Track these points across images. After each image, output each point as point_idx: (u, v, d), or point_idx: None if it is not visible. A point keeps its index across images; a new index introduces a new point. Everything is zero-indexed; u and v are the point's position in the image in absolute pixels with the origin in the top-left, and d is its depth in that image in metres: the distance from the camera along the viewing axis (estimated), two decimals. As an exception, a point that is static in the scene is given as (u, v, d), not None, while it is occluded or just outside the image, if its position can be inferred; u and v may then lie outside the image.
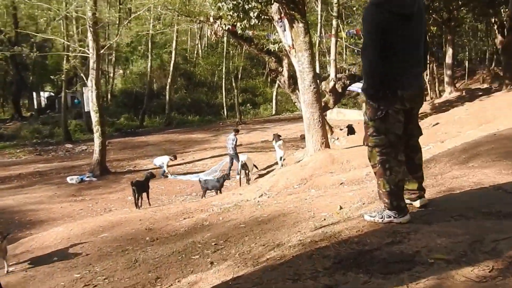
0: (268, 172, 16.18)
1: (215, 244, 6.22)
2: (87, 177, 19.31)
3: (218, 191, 14.05)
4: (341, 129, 21.23)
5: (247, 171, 15.12)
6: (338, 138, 19.30)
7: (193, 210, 9.77)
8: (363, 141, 4.25)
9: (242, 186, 14.01)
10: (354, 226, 3.98)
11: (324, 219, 5.94)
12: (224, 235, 6.58)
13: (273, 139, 16.39)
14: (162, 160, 19.69)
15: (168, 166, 19.74)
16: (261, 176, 16.15)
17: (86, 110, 25.64)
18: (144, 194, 12.39)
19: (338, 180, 9.70)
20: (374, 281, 2.85)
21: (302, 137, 24.15)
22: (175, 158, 20.32)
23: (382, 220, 4.03)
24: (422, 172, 4.30)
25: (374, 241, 3.45)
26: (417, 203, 4.28)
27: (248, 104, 46.24)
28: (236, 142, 18.14)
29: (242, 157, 15.82)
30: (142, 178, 12.78)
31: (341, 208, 6.34)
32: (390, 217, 3.94)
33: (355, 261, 3.15)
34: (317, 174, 11.26)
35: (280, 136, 16.37)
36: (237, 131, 18.60)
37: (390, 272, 2.90)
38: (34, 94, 43.69)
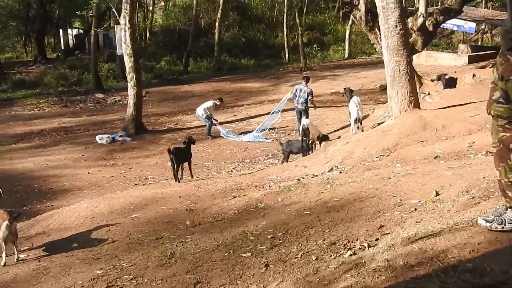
0: (339, 136, 15.65)
1: (271, 238, 6.00)
2: (120, 136, 19.49)
3: (307, 153, 13.99)
4: (432, 80, 20.17)
5: (308, 140, 14.51)
6: (429, 93, 18.27)
7: (245, 185, 9.66)
8: (486, 107, 3.64)
9: (308, 156, 13.57)
10: (464, 241, 3.52)
11: (415, 209, 5.72)
12: (283, 225, 6.37)
13: (343, 94, 15.62)
14: (205, 107, 19.61)
15: (214, 118, 19.74)
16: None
17: (118, 54, 25.61)
18: (185, 164, 12.17)
19: (431, 152, 9.42)
20: None
21: (383, 88, 23.41)
22: (222, 101, 20.28)
23: (503, 228, 3.57)
24: None
25: (497, 270, 2.94)
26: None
27: (315, 45, 45.36)
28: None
29: (304, 121, 15.27)
30: (185, 143, 12.54)
31: (437, 194, 6.07)
32: (515, 222, 3.52)
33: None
34: (403, 143, 10.88)
35: (353, 91, 15.57)
36: (308, 80, 18.13)
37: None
38: (61, 31, 44.33)
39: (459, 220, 4.24)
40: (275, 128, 19.24)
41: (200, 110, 19.62)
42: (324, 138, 14.64)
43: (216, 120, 19.79)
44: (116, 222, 8.20)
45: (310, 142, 14.35)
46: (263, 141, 18.37)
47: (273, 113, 19.56)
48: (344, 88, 16.26)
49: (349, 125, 15.88)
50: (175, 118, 23.41)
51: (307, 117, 16.90)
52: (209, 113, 19.35)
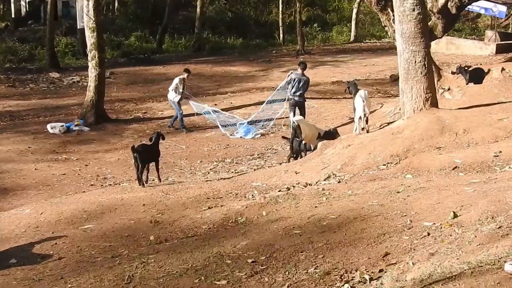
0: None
1: (252, 262, 5.99)
2: (76, 125, 19.20)
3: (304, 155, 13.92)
4: (453, 73, 20.00)
5: (300, 141, 14.24)
6: (449, 89, 18.08)
7: (224, 193, 9.62)
8: None
9: (300, 160, 13.46)
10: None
11: (428, 234, 5.77)
12: (267, 246, 6.38)
13: (346, 89, 15.36)
14: (172, 88, 19.36)
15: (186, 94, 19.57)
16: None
17: (79, 27, 25.43)
18: (153, 165, 12.05)
19: (449, 161, 9.37)
20: None
21: (394, 79, 23.32)
22: (188, 72, 19.97)
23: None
24: None
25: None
26: None
27: (316, 25, 45.41)
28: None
29: (294, 117, 15.01)
30: (151, 139, 12.39)
31: (455, 216, 6.09)
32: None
33: None
34: (416, 149, 10.79)
35: (357, 85, 15.36)
36: (305, 67, 17.96)
37: None
38: (11, -3, 44.03)
39: (484, 258, 4.14)
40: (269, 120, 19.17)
41: (171, 94, 19.47)
42: (329, 135, 14.35)
43: (189, 96, 19.65)
44: (65, 234, 8.03)
45: (304, 143, 14.14)
46: (254, 137, 18.36)
47: (268, 103, 19.39)
48: (348, 82, 15.85)
49: (352, 122, 15.71)
50: (144, 105, 23.20)
51: (301, 114, 16.70)
52: (176, 95, 19.07)
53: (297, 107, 17.40)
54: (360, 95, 13.71)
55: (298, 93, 17.31)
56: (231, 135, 18.51)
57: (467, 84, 18.16)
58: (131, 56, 35.43)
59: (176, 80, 19.37)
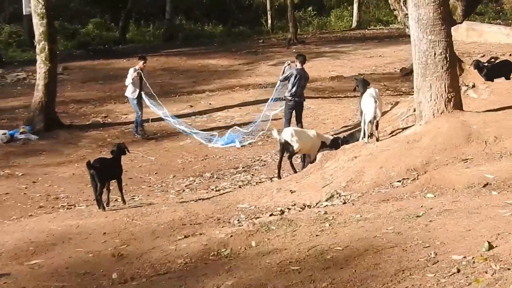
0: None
1: None
2: (21, 133, 19.02)
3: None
4: (479, 65, 19.84)
5: (292, 156, 14.12)
6: (473, 86, 17.88)
7: (203, 218, 9.70)
8: None
9: (296, 175, 13.30)
10: None
11: (458, 271, 5.51)
12: (258, 287, 6.27)
13: (356, 87, 15.23)
14: (129, 82, 19.12)
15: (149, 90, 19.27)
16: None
17: (25, 12, 25.21)
18: (115, 183, 11.99)
19: (479, 177, 9.22)
20: None
21: (405, 73, 23.29)
22: (144, 60, 19.67)
23: None
24: None
25: None
26: None
27: (310, 8, 45.58)
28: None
29: (281, 133, 14.51)
30: (113, 152, 12.27)
31: (490, 247, 5.89)
32: None
33: None
34: (438, 162, 10.66)
35: (369, 82, 15.18)
36: (304, 60, 17.63)
37: None
38: None
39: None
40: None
41: (129, 90, 19.25)
42: (336, 144, 14.14)
43: (151, 95, 19.29)
44: (7, 272, 7.96)
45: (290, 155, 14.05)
46: (240, 145, 18.21)
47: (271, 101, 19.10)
48: (356, 79, 15.79)
49: (357, 127, 15.56)
50: (105, 107, 22.97)
51: (298, 117, 16.71)
52: (134, 91, 18.86)
53: (296, 110, 17.18)
54: (370, 94, 13.56)
55: (298, 92, 17.05)
56: (210, 141, 18.35)
57: (486, 80, 17.93)
58: (89, 47, 35.22)
59: (131, 72, 19.10)
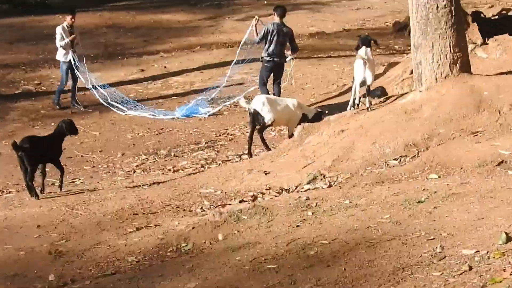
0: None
1: None
2: None
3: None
4: (479, 18, 19.28)
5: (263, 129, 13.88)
6: (481, 44, 17.60)
7: (159, 206, 9.72)
8: None
9: (270, 153, 12.99)
10: None
11: (470, 269, 5.31)
12: None
13: (357, 45, 14.78)
14: (59, 43, 18.54)
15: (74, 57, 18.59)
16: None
17: None
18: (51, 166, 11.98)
19: (492, 153, 8.96)
20: None
21: (399, 28, 23.30)
22: (73, 14, 19.08)
23: None
24: None
25: None
26: None
27: None
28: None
29: (251, 101, 14.23)
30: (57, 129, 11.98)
31: (508, 239, 5.68)
32: None
33: None
34: (442, 136, 10.34)
35: (375, 40, 14.77)
36: (284, 13, 17.03)
37: None
38: None
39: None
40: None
41: (60, 53, 18.64)
42: (318, 118, 13.59)
43: (78, 64, 18.46)
44: None
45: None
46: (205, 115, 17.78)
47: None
48: (359, 36, 15.62)
49: (344, 94, 15.69)
50: (38, 73, 22.37)
51: (278, 84, 16.34)
52: (65, 53, 18.30)
53: (276, 71, 16.67)
54: (359, 55, 13.36)
55: (277, 50, 16.45)
56: (164, 115, 17.92)
57: (484, 41, 17.35)
58: (17, 1, 34.19)
59: (59, 30, 18.58)
